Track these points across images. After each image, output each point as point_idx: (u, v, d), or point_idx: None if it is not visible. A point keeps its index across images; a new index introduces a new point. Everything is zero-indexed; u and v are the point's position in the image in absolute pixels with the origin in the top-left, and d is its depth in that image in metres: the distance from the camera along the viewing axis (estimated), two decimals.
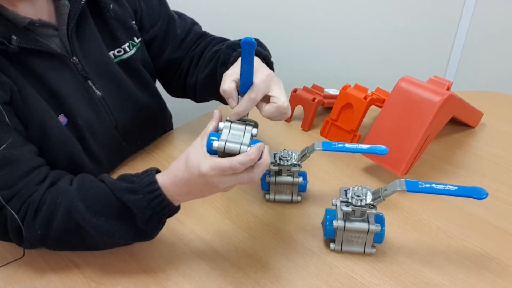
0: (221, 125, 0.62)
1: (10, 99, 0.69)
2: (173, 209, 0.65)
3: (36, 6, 0.73)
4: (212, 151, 0.59)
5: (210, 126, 0.63)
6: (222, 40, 0.94)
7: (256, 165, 0.59)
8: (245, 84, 0.64)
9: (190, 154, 0.60)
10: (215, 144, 0.59)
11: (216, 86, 0.81)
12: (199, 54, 0.93)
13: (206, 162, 0.58)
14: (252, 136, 0.61)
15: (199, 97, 0.98)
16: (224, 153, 0.59)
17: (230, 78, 0.67)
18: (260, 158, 0.59)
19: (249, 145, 0.59)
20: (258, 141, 0.61)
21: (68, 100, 0.76)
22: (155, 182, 0.62)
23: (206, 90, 0.93)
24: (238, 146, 0.58)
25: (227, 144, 0.59)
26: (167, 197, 0.62)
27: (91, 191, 0.65)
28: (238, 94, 0.66)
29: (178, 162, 0.63)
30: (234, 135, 0.61)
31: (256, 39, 0.86)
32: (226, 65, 0.81)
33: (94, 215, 0.63)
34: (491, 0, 1.53)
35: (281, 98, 0.67)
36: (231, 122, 0.63)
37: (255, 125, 0.63)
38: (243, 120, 0.64)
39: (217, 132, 0.62)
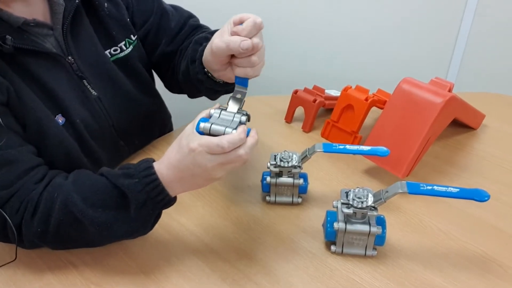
0: (212, 111, 0.63)
1: (7, 100, 0.69)
2: (167, 198, 0.64)
3: (30, 6, 0.73)
4: (200, 132, 0.60)
5: (203, 112, 0.64)
6: (211, 33, 0.93)
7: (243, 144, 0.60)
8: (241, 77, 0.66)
9: (182, 137, 0.62)
10: (202, 125, 0.60)
11: (192, 82, 0.84)
12: (186, 48, 0.92)
13: (195, 139, 0.59)
14: (240, 122, 0.62)
15: (187, 93, 0.99)
16: (210, 134, 0.60)
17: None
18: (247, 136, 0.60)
19: (234, 129, 0.59)
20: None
21: (64, 100, 0.76)
22: (151, 167, 0.63)
23: (187, 85, 0.92)
24: (223, 128, 0.59)
25: (212, 125, 0.60)
26: (162, 183, 0.62)
27: (87, 183, 0.65)
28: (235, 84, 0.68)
29: (171, 146, 0.64)
30: (222, 120, 0.62)
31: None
32: (195, 62, 0.81)
33: (90, 207, 0.63)
34: (493, 1, 1.52)
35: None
36: (222, 109, 0.64)
37: (246, 115, 0.64)
38: (235, 108, 0.65)
39: (208, 118, 0.63)
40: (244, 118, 0.63)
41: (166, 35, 0.94)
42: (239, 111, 0.64)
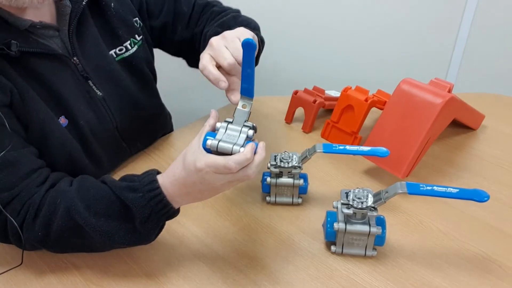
0: (218, 125, 0.63)
1: (10, 102, 0.69)
2: (172, 211, 0.64)
3: (39, 9, 0.73)
4: (207, 149, 0.60)
5: (207, 125, 0.63)
6: (219, 13, 0.93)
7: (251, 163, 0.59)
8: (246, 87, 0.65)
9: (187, 153, 0.60)
10: (209, 142, 0.59)
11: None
12: (201, 32, 0.93)
13: (202, 158, 0.58)
14: (247, 137, 0.61)
15: None
16: (218, 152, 0.59)
17: (210, 64, 0.68)
18: (255, 153, 0.59)
19: (242, 146, 0.59)
20: (253, 142, 0.61)
21: (69, 101, 0.76)
22: (156, 181, 0.62)
23: None
24: (231, 146, 0.58)
25: (220, 143, 0.59)
26: (166, 197, 0.62)
27: (91, 191, 0.65)
28: (241, 96, 0.66)
29: (176, 162, 0.63)
30: (229, 135, 0.61)
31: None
32: None
33: (94, 216, 0.63)
34: (493, 1, 1.52)
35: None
36: (229, 123, 0.63)
37: (252, 128, 0.63)
38: (242, 121, 0.64)
39: (214, 132, 0.62)
40: (251, 132, 0.62)
41: (181, 20, 0.95)
42: (246, 123, 0.63)
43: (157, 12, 0.93)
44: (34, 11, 0.72)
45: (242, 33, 0.71)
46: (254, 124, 0.64)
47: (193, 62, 1.03)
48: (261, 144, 0.61)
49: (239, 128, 0.62)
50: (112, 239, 0.64)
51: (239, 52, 0.66)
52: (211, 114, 0.64)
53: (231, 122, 0.63)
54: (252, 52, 0.61)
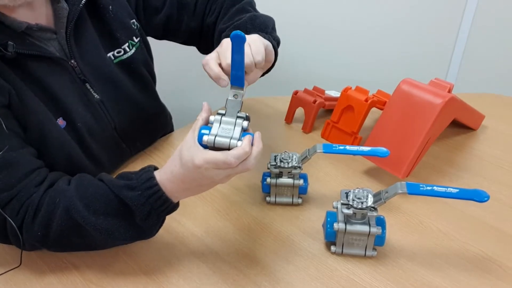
0: (212, 118, 0.62)
1: (9, 102, 0.69)
2: (171, 206, 0.64)
3: (34, 11, 0.73)
4: (203, 145, 0.59)
5: (200, 119, 0.62)
6: (233, 4, 0.92)
7: (249, 155, 0.59)
8: (236, 76, 0.64)
9: (183, 149, 0.60)
10: (205, 138, 0.58)
11: None
12: (213, 22, 0.92)
13: (200, 155, 0.57)
14: (242, 129, 0.61)
15: None
16: (215, 147, 0.58)
17: (213, 61, 0.67)
18: (252, 145, 0.59)
19: (239, 139, 0.58)
20: (249, 134, 0.60)
21: (67, 103, 0.76)
22: (153, 178, 0.62)
23: None
24: (228, 140, 0.58)
25: (217, 138, 0.58)
26: (165, 193, 0.62)
27: (90, 190, 0.65)
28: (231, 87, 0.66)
29: (172, 159, 0.62)
30: (224, 129, 0.60)
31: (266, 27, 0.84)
32: None
33: (93, 214, 0.63)
34: (493, 2, 1.52)
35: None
36: (222, 115, 0.62)
37: (246, 118, 0.62)
38: (234, 112, 0.63)
39: (207, 125, 0.62)
40: (245, 123, 0.61)
41: (186, 11, 0.94)
42: (239, 114, 0.62)
43: (160, 5, 0.92)
44: (28, 13, 0.72)
45: (254, 41, 0.70)
46: (247, 114, 0.63)
47: (204, 50, 1.03)
48: (257, 135, 0.60)
49: (233, 120, 0.61)
50: (112, 236, 0.64)
51: (246, 58, 0.66)
52: (203, 107, 0.64)
53: (224, 114, 0.62)
54: (241, 44, 0.60)
